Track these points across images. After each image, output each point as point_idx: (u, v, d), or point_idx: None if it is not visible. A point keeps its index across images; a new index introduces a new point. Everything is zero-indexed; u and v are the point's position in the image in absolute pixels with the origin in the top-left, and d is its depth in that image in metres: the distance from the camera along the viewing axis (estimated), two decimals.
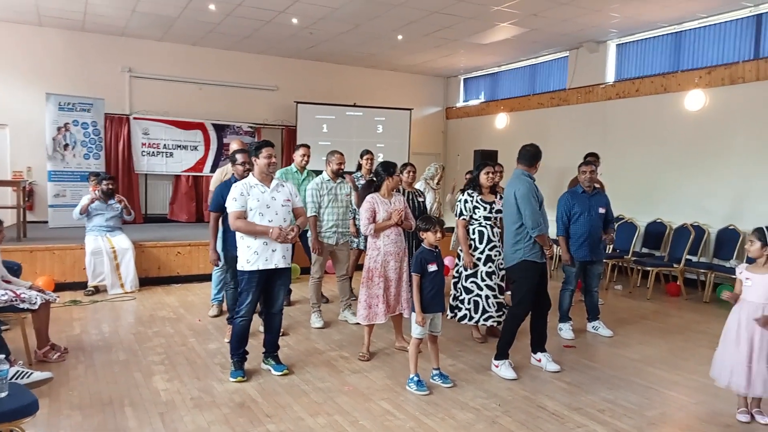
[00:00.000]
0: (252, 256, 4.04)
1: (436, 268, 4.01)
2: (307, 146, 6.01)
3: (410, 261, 5.31)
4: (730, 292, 3.74)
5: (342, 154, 5.53)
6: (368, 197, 4.65)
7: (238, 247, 4.14)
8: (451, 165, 13.08)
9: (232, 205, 4.04)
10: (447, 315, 4.96)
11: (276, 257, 4.09)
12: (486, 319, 4.98)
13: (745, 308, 3.57)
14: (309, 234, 5.51)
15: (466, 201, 5.01)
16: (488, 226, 4.97)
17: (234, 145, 5.85)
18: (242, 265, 4.08)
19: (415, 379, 4.03)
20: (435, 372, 4.18)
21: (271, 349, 4.36)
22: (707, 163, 7.78)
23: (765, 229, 3.56)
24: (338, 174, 5.48)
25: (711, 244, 7.55)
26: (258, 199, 4.04)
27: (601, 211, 5.44)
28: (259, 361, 4.40)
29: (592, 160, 6.24)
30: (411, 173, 5.71)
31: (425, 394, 3.96)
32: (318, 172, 5.70)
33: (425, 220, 4.11)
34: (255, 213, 4.03)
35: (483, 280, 4.94)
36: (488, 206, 4.97)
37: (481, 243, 4.96)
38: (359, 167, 6.61)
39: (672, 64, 8.45)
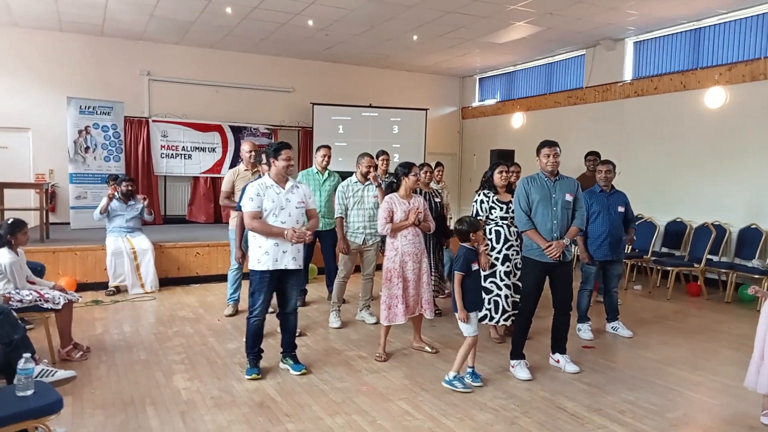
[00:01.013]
0: (263, 256, 4.08)
1: (477, 267, 4.09)
2: (328, 147, 6.06)
3: (430, 261, 5.33)
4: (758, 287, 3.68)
5: (372, 157, 5.52)
6: (386, 197, 4.67)
7: (250, 246, 4.21)
8: (467, 165, 13.05)
9: (248, 205, 4.08)
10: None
11: (286, 258, 4.12)
12: (506, 319, 4.95)
13: (765, 306, 3.55)
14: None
15: (482, 201, 5.00)
16: (505, 226, 4.95)
17: (246, 147, 5.95)
18: (253, 264, 4.14)
19: (469, 370, 4.10)
20: (469, 370, 4.19)
21: (288, 349, 4.40)
22: (728, 160, 7.67)
23: None
24: (366, 177, 5.49)
25: (732, 243, 7.44)
26: (273, 200, 4.08)
27: (620, 209, 5.39)
28: (278, 361, 4.44)
29: (594, 158, 6.25)
30: (428, 173, 5.72)
31: (479, 384, 4.05)
32: (341, 173, 5.70)
33: (471, 224, 4.11)
34: (269, 214, 4.07)
35: (502, 279, 4.92)
36: (504, 206, 4.95)
37: (498, 243, 4.94)
38: (375, 168, 6.62)
39: (691, 61, 8.34)
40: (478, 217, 4.97)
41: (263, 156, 4.81)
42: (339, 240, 5.49)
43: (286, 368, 4.34)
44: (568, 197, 4.33)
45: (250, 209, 4.06)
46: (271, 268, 4.09)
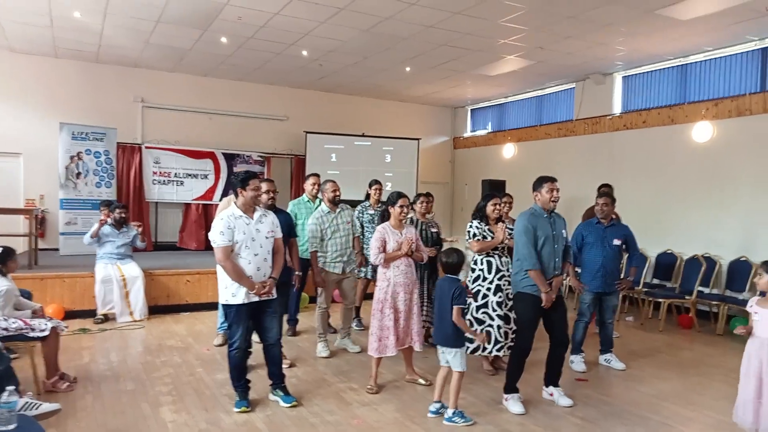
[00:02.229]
0: (237, 289, 4.03)
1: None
2: (317, 175, 6.07)
3: (422, 291, 5.31)
4: (744, 326, 3.69)
5: (334, 182, 5.54)
6: (379, 227, 4.66)
7: (220, 280, 4.12)
8: (459, 194, 13.12)
9: (219, 240, 3.95)
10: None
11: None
12: (499, 349, 4.93)
13: (756, 343, 3.54)
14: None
15: (477, 227, 4.99)
16: (496, 256, 4.96)
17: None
18: (226, 298, 4.07)
19: (453, 411, 4.01)
20: (437, 404, 4.15)
21: (276, 381, 4.33)
22: (716, 193, 7.77)
23: None
24: (335, 202, 5.50)
25: (723, 275, 7.48)
26: (244, 232, 4.03)
27: (616, 242, 5.40)
28: (267, 392, 4.37)
29: (605, 191, 6.24)
30: (424, 203, 5.72)
31: (470, 424, 3.96)
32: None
33: (460, 256, 4.16)
34: (241, 246, 4.01)
35: (494, 310, 4.91)
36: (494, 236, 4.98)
37: (489, 273, 4.95)
38: (367, 197, 6.65)
39: (679, 96, 8.51)
40: (476, 238, 4.96)
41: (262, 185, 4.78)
42: (315, 274, 5.45)
43: (276, 400, 4.27)
44: (564, 233, 4.37)
45: (222, 244, 3.96)
46: (245, 301, 4.04)
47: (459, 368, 3.99)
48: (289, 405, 4.19)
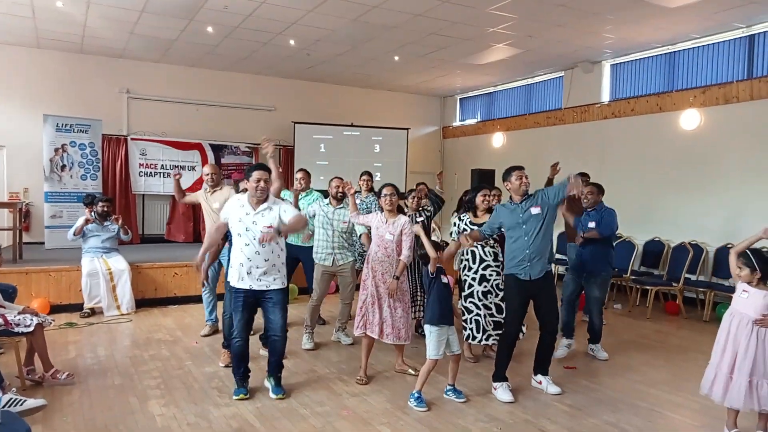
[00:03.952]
0: (233, 270, 4.13)
1: (447, 281, 4.20)
2: (303, 170, 6.07)
3: (411, 283, 5.32)
4: None
5: (340, 179, 5.49)
6: (373, 213, 4.85)
7: (225, 260, 4.30)
8: (448, 184, 13.09)
9: (221, 214, 4.27)
10: None
11: (251, 279, 4.08)
12: (487, 338, 4.99)
13: (736, 319, 3.60)
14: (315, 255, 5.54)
15: (454, 224, 5.21)
16: (479, 246, 4.98)
17: (206, 169, 5.89)
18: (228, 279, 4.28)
19: (416, 395, 4.07)
20: (449, 388, 4.24)
21: (274, 371, 4.31)
22: (703, 181, 7.81)
23: (750, 254, 3.59)
24: (338, 198, 5.46)
25: (709, 262, 7.55)
26: (240, 219, 4.07)
27: (591, 225, 5.39)
28: (257, 384, 4.35)
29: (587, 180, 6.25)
30: (415, 198, 5.67)
31: (424, 410, 3.98)
32: (324, 192, 5.74)
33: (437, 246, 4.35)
34: (234, 233, 4.13)
35: (480, 300, 4.98)
36: (477, 228, 4.96)
37: (474, 263, 5.01)
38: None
39: (667, 83, 8.52)
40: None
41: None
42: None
43: (267, 387, 4.28)
44: (535, 210, 4.25)
45: (221, 219, 4.28)
46: (237, 286, 4.10)
47: (428, 354, 4.10)
48: (276, 397, 4.18)
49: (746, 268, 3.57)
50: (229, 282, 4.24)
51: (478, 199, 5.05)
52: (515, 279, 4.28)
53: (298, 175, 5.99)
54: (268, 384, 4.31)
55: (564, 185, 4.15)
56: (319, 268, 5.46)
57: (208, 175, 5.81)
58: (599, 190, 5.56)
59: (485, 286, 4.96)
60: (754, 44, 7.45)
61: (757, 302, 3.51)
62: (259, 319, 4.37)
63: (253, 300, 4.13)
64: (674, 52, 8.38)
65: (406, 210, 5.48)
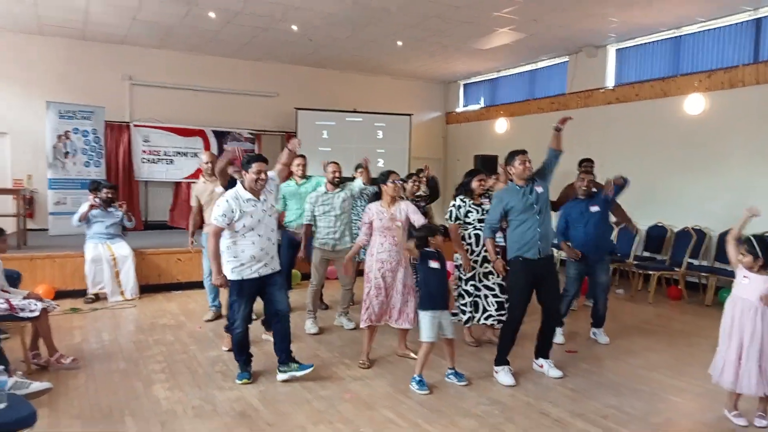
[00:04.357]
0: (238, 266, 4.05)
1: (438, 266, 4.16)
2: (302, 156, 6.09)
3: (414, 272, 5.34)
4: None
5: (336, 163, 5.56)
6: (368, 207, 4.75)
7: (223, 257, 4.09)
8: (451, 170, 13.08)
9: (218, 220, 3.95)
10: (454, 320, 4.92)
11: (258, 265, 4.08)
12: (486, 318, 5.02)
13: (739, 305, 3.60)
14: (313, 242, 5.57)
15: (459, 206, 5.06)
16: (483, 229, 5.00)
17: (204, 157, 5.90)
18: (227, 273, 4.09)
19: (417, 378, 4.11)
20: (450, 371, 4.27)
21: (285, 357, 4.26)
22: (707, 166, 7.77)
23: (753, 240, 3.56)
24: (334, 183, 5.49)
25: (712, 247, 7.53)
26: (252, 215, 4.01)
27: (594, 209, 5.35)
28: (261, 369, 4.39)
29: (588, 168, 6.31)
30: (416, 183, 5.77)
31: (425, 393, 4.01)
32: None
33: (428, 229, 4.29)
34: (248, 230, 4.01)
35: (480, 281, 5.01)
36: (480, 209, 5.03)
37: (477, 246, 5.00)
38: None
39: (671, 68, 8.45)
40: (458, 221, 5.00)
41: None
42: (302, 248, 5.59)
43: (290, 375, 4.21)
44: (539, 189, 4.34)
45: (218, 224, 3.97)
46: (248, 278, 4.05)
47: (421, 337, 4.11)
48: (307, 371, 4.19)
49: (749, 255, 3.55)
50: (232, 279, 4.06)
51: (474, 183, 5.05)
52: (523, 261, 4.27)
53: (296, 161, 5.99)
54: (289, 372, 4.18)
55: (553, 153, 4.39)
56: (318, 252, 5.49)
57: (207, 163, 5.82)
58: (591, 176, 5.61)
59: (486, 267, 4.98)
60: (761, 27, 7.36)
61: (759, 287, 3.52)
62: (257, 304, 4.36)
63: (257, 289, 4.14)
64: (679, 36, 8.30)
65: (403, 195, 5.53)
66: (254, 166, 4.00)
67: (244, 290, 4.09)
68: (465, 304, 5.06)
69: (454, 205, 5.08)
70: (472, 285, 5.03)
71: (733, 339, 3.59)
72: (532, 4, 7.26)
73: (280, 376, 4.24)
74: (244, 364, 4.24)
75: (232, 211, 3.96)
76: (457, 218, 5.02)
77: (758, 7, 7.21)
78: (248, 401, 3.89)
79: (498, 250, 4.61)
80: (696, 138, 7.92)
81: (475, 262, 4.99)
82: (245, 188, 4.06)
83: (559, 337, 5.33)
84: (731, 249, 3.69)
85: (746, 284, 3.58)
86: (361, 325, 4.67)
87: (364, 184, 5.56)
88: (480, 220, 4.97)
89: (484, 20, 7.96)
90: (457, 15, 7.75)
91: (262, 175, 4.02)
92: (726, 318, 3.68)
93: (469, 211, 5.01)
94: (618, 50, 9.29)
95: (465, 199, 5.06)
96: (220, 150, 10.35)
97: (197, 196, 5.87)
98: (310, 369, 4.23)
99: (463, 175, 5.26)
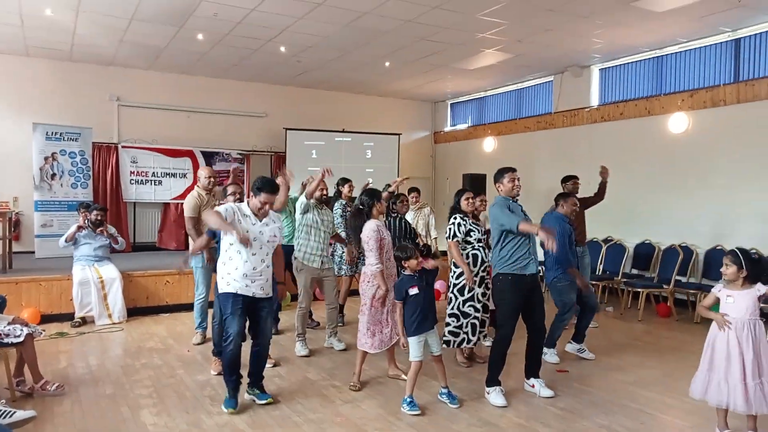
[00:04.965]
0: (232, 280, 4.03)
1: (417, 291, 4.10)
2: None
3: None
4: (718, 312, 3.70)
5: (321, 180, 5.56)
6: (369, 226, 4.53)
7: (218, 270, 4.13)
8: (440, 189, 13.14)
9: (221, 212, 3.96)
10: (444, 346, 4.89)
11: (255, 287, 4.07)
12: (477, 340, 5.10)
13: (731, 325, 3.58)
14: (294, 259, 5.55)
15: (459, 224, 5.01)
16: (481, 249, 5.03)
17: (205, 172, 5.84)
18: (222, 287, 4.09)
19: (408, 399, 4.08)
20: (444, 391, 4.24)
21: (255, 380, 4.28)
22: (692, 184, 7.87)
23: (738, 252, 3.60)
24: (321, 201, 5.53)
25: (699, 264, 7.60)
26: (248, 230, 4.00)
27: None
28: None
29: (574, 187, 6.35)
30: (404, 203, 5.83)
31: (417, 414, 3.98)
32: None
33: (402, 250, 4.21)
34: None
35: (479, 301, 5.00)
36: (481, 228, 5.09)
37: (475, 266, 5.00)
38: (339, 194, 6.74)
39: (655, 87, 8.60)
40: (455, 239, 4.98)
41: (225, 189, 5.08)
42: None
43: (251, 398, 4.23)
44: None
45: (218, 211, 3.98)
46: (240, 292, 4.02)
47: (410, 357, 4.11)
48: (264, 402, 4.17)
49: (733, 265, 3.57)
50: (226, 291, 4.06)
51: (462, 203, 5.06)
52: (514, 278, 4.25)
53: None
54: (251, 395, 4.24)
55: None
56: (306, 272, 5.45)
57: (208, 178, 5.77)
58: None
59: (484, 288, 5.02)
60: (740, 48, 7.54)
61: (745, 302, 3.52)
62: None
63: (250, 306, 4.11)
64: (662, 56, 8.46)
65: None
66: (263, 196, 4.01)
67: (238, 303, 4.02)
68: (460, 326, 5.00)
69: (453, 223, 5.04)
70: (470, 306, 4.97)
71: (733, 362, 3.51)
72: (518, 26, 7.38)
73: (246, 396, 4.26)
74: (233, 388, 4.14)
75: (233, 214, 3.99)
76: (455, 235, 5.00)
77: (737, 28, 7.39)
78: (237, 426, 3.84)
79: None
80: (680, 156, 8.04)
81: (474, 282, 4.94)
82: (249, 206, 4.11)
83: (553, 356, 5.33)
84: (704, 310, 3.81)
85: (731, 303, 3.58)
86: (370, 351, 4.55)
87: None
88: (479, 240, 5.00)
89: (471, 41, 8.07)
90: (444, 36, 7.86)
91: (267, 207, 4.06)
92: (720, 341, 3.60)
93: (470, 230, 5.01)
94: (602, 70, 9.45)
95: (465, 218, 5.04)
96: None
97: (198, 207, 5.58)
98: (267, 400, 4.19)
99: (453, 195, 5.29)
